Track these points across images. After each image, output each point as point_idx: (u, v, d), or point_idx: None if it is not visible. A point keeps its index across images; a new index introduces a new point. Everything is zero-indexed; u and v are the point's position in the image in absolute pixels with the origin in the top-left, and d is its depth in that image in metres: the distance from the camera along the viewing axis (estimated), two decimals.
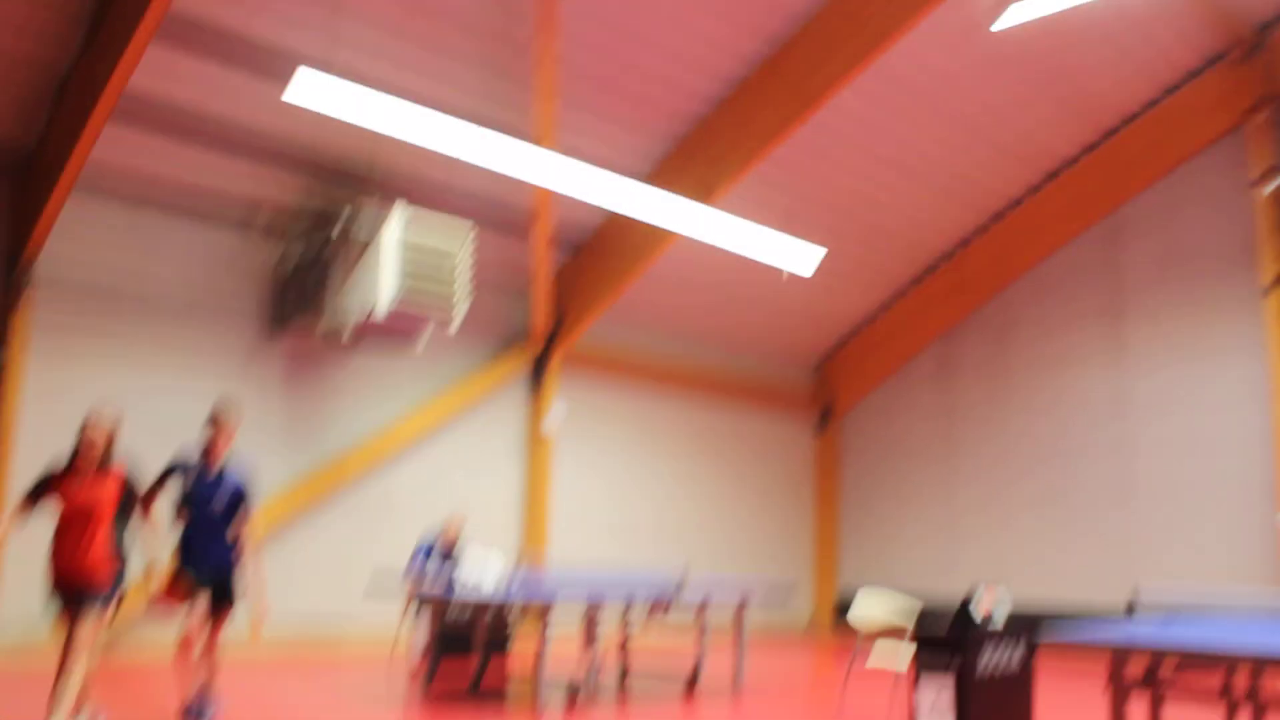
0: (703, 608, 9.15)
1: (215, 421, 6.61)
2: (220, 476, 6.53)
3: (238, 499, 6.54)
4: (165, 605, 6.16)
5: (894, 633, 7.67)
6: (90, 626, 5.67)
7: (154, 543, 6.06)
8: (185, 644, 6.34)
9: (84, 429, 5.86)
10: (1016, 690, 6.54)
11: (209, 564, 6.40)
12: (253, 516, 6.61)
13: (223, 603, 6.44)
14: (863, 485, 17.10)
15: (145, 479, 6.09)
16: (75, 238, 9.94)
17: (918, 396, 16.63)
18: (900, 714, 7.26)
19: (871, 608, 7.81)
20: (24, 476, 6.00)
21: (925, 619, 6.65)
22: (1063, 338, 14.82)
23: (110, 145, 9.59)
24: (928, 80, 12.17)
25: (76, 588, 5.69)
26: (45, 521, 5.88)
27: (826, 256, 12.94)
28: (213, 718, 6.38)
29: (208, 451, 6.54)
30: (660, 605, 8.40)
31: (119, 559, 5.88)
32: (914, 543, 16.18)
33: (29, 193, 9.63)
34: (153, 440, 10.03)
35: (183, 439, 10.16)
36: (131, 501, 5.93)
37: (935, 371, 16.41)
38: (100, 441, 5.84)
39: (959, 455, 15.91)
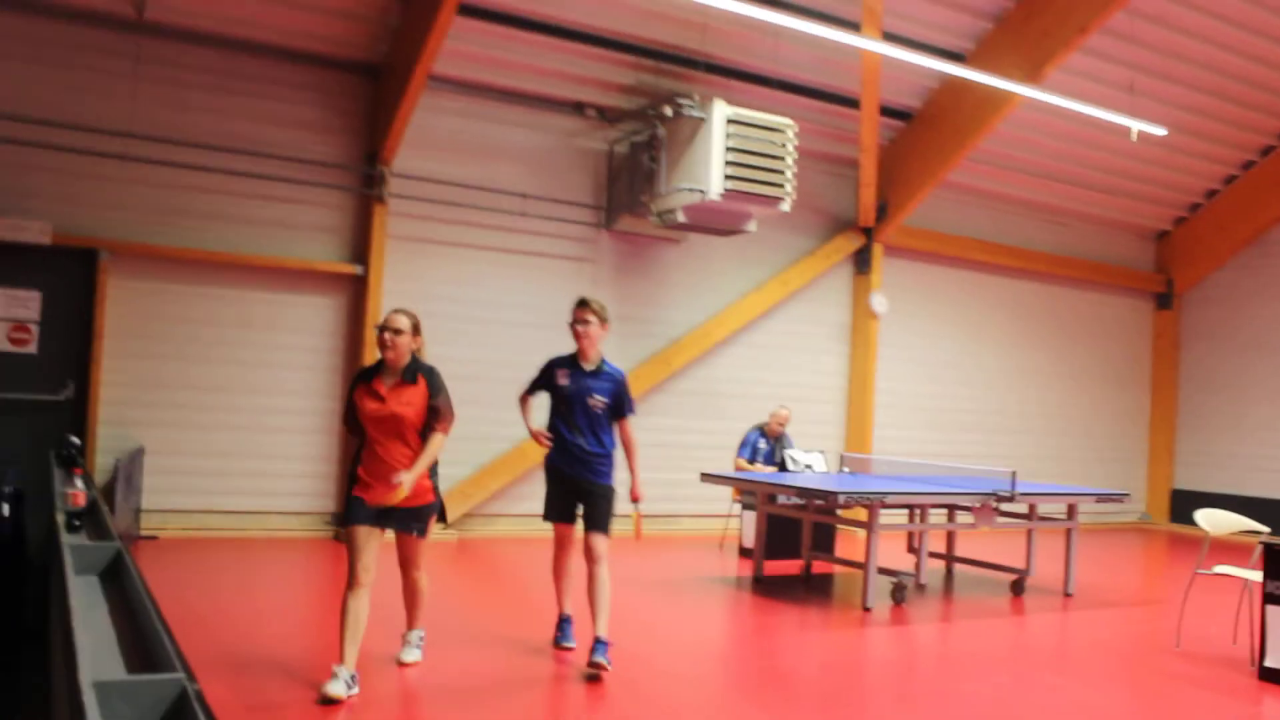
0: (1032, 511, 9.06)
1: (586, 312, 5.92)
2: (599, 372, 5.95)
3: (620, 399, 5.94)
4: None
5: (1243, 539, 7.27)
6: (416, 546, 5.44)
7: (426, 454, 5.19)
8: (560, 558, 6.08)
9: (383, 331, 5.21)
10: None
11: (586, 467, 5.89)
12: (632, 417, 6.01)
13: (599, 512, 5.86)
14: (1204, 372, 15.97)
15: (448, 387, 5.37)
16: (424, 133, 10.70)
17: (1272, 276, 15.26)
18: (1246, 638, 6.99)
19: (1214, 527, 7.37)
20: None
21: None
22: None
23: (454, 41, 10.11)
24: None
25: (392, 506, 5.16)
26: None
27: (1172, 126, 12.01)
28: (607, 654, 5.60)
29: (580, 348, 5.94)
30: (988, 509, 8.39)
31: (432, 473, 5.38)
32: (1262, 442, 15.03)
33: (384, 96, 10.45)
34: (493, 327, 11.08)
35: (519, 326, 11.13)
36: (430, 411, 5.24)
37: None
38: (403, 345, 5.19)
39: None
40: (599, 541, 5.79)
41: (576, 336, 5.91)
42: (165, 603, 3.69)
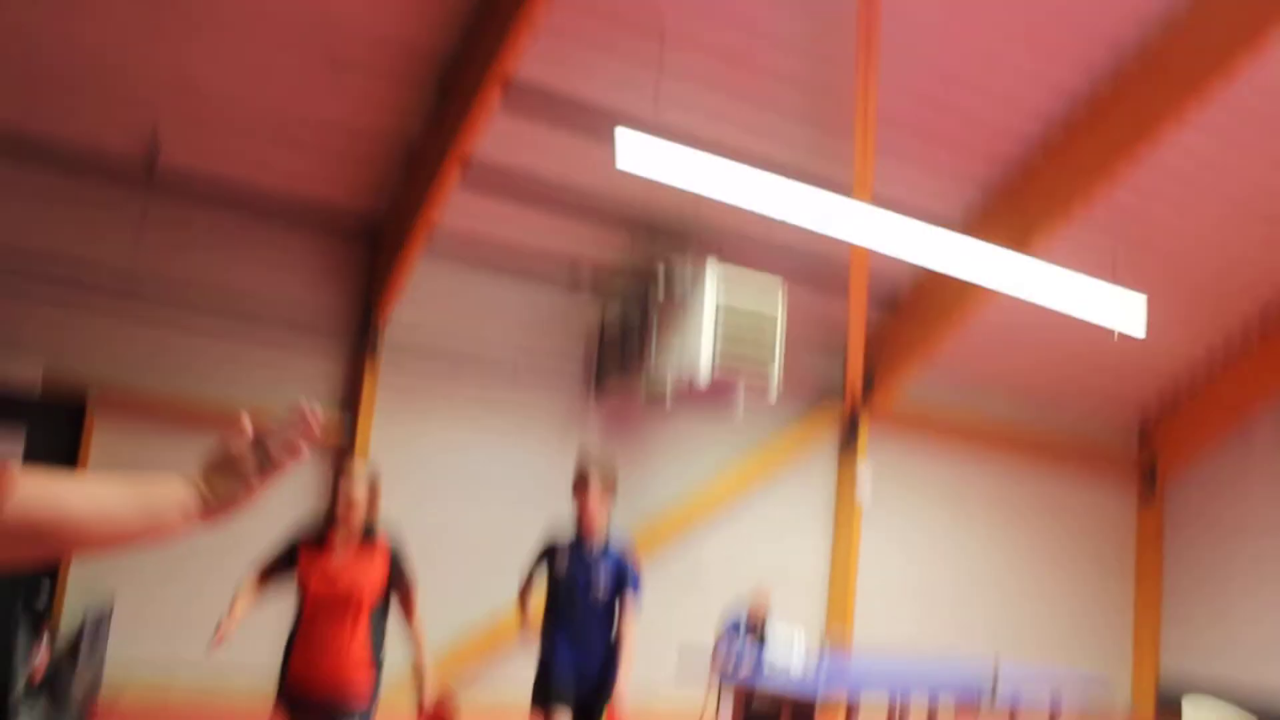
0: (1014, 708, 8.87)
1: (588, 481, 5.18)
2: (603, 554, 5.21)
3: (623, 583, 5.19)
4: None
5: None
6: None
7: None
8: None
9: (341, 484, 4.47)
10: None
11: (586, 670, 5.17)
12: (639, 608, 5.22)
13: (600, 711, 5.16)
14: (1190, 564, 15.82)
15: (414, 560, 4.63)
16: (417, 300, 10.82)
17: (1261, 465, 15.24)
18: None
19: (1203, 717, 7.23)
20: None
21: None
22: None
23: (451, 210, 10.31)
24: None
25: (325, 700, 4.36)
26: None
27: (1156, 307, 12.22)
28: None
29: (582, 522, 5.22)
30: (971, 706, 8.22)
31: (376, 663, 4.47)
32: (1253, 637, 14.80)
33: (380, 259, 10.60)
34: (478, 499, 10.98)
35: (503, 494, 11.02)
36: (397, 587, 4.50)
37: None
38: (361, 502, 4.44)
39: None
40: None
41: (583, 510, 5.21)
42: None
